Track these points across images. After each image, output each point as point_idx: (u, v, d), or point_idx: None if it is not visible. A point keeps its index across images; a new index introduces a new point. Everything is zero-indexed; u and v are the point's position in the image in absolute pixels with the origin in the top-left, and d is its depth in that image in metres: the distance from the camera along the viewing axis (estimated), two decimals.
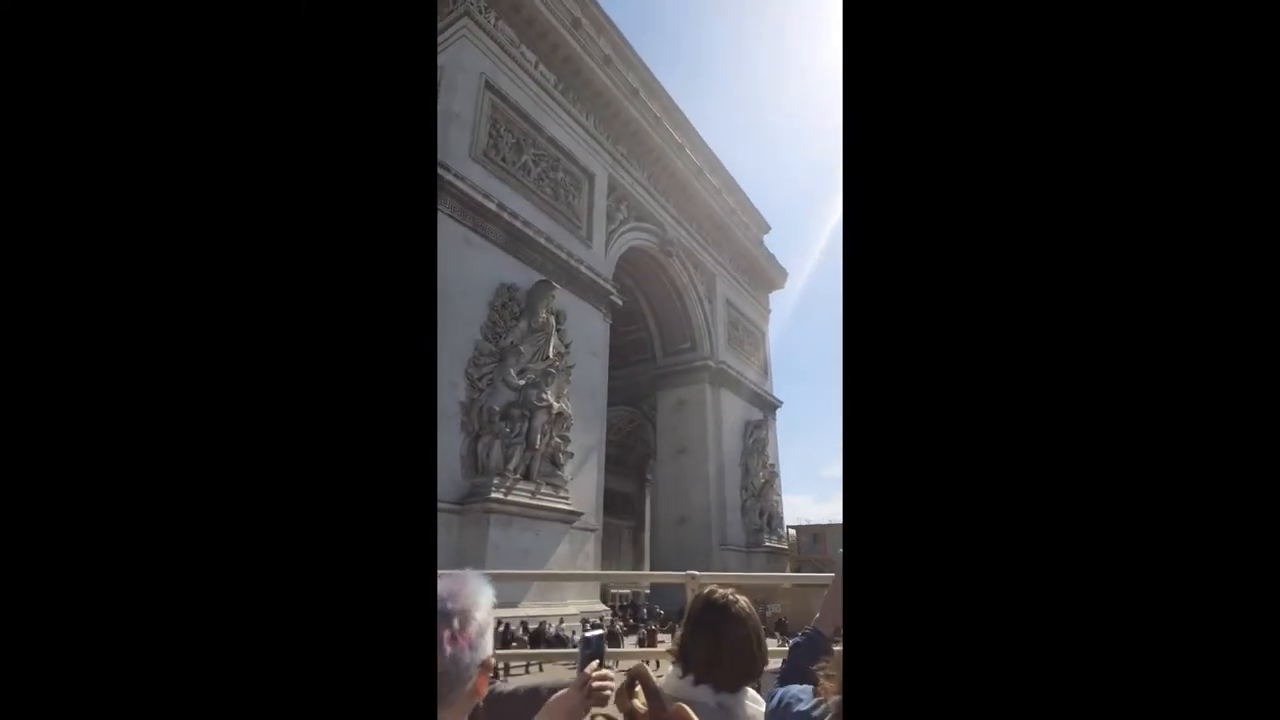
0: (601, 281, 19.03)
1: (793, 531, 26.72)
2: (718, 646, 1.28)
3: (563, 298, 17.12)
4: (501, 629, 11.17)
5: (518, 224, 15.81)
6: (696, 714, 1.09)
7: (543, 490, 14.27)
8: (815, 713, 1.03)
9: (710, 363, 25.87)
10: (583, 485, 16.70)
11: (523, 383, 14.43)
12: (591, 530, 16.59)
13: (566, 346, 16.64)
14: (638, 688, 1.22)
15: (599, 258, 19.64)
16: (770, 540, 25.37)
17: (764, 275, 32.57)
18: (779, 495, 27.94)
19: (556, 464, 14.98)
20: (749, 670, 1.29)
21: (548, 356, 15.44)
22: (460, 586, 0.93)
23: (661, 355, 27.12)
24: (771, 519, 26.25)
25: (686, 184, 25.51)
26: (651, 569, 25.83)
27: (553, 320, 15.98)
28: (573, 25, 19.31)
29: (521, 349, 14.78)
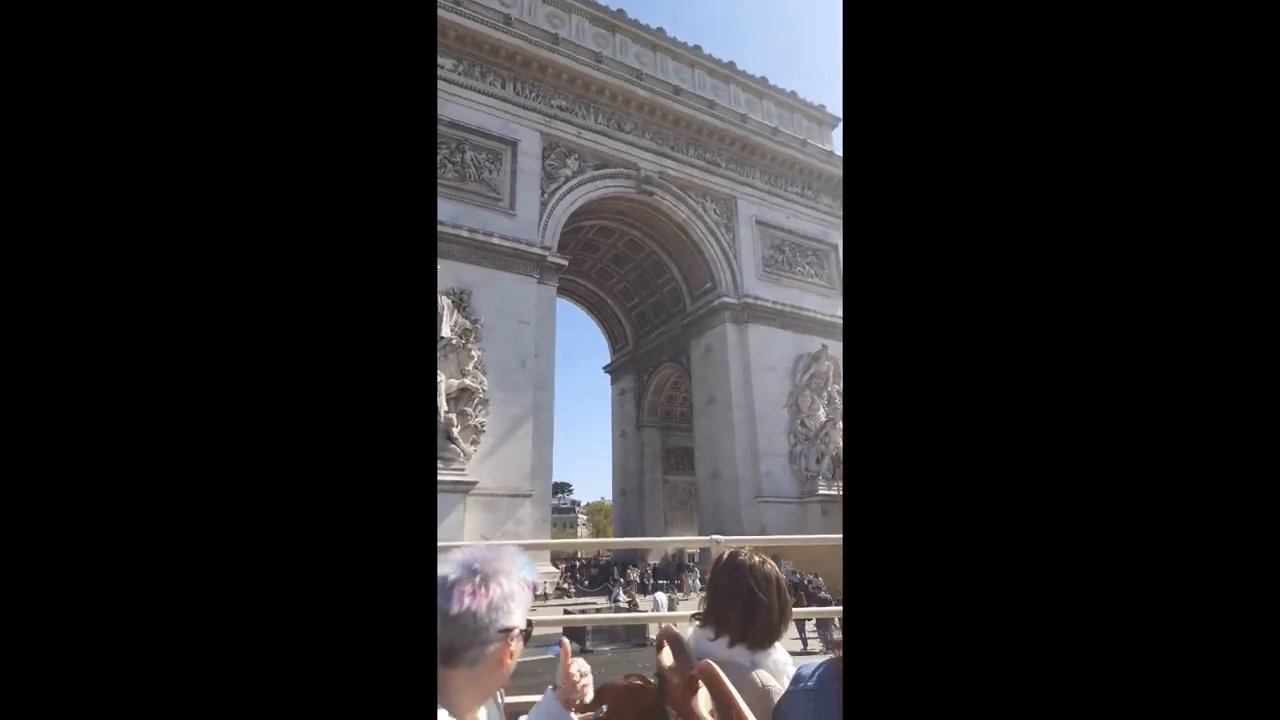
0: (525, 247, 18.72)
1: None
2: (750, 609, 1.32)
3: (472, 274, 17.43)
4: None
5: None
6: (731, 673, 1.14)
7: None
8: (805, 673, 1.13)
9: (729, 299, 23.08)
10: (513, 454, 16.91)
11: None
12: (525, 496, 16.73)
13: (474, 322, 16.97)
14: (665, 647, 1.27)
15: (528, 224, 19.29)
16: (830, 487, 21.67)
17: (826, 178, 27.37)
18: None
19: (450, 438, 15.56)
20: (778, 628, 1.35)
21: (442, 338, 16.04)
22: (493, 554, 1.01)
23: (690, 301, 25.14)
24: (836, 463, 22.35)
25: (664, 109, 23.05)
26: (700, 527, 24.35)
27: (445, 301, 16.48)
28: (454, 1, 19.19)
29: None
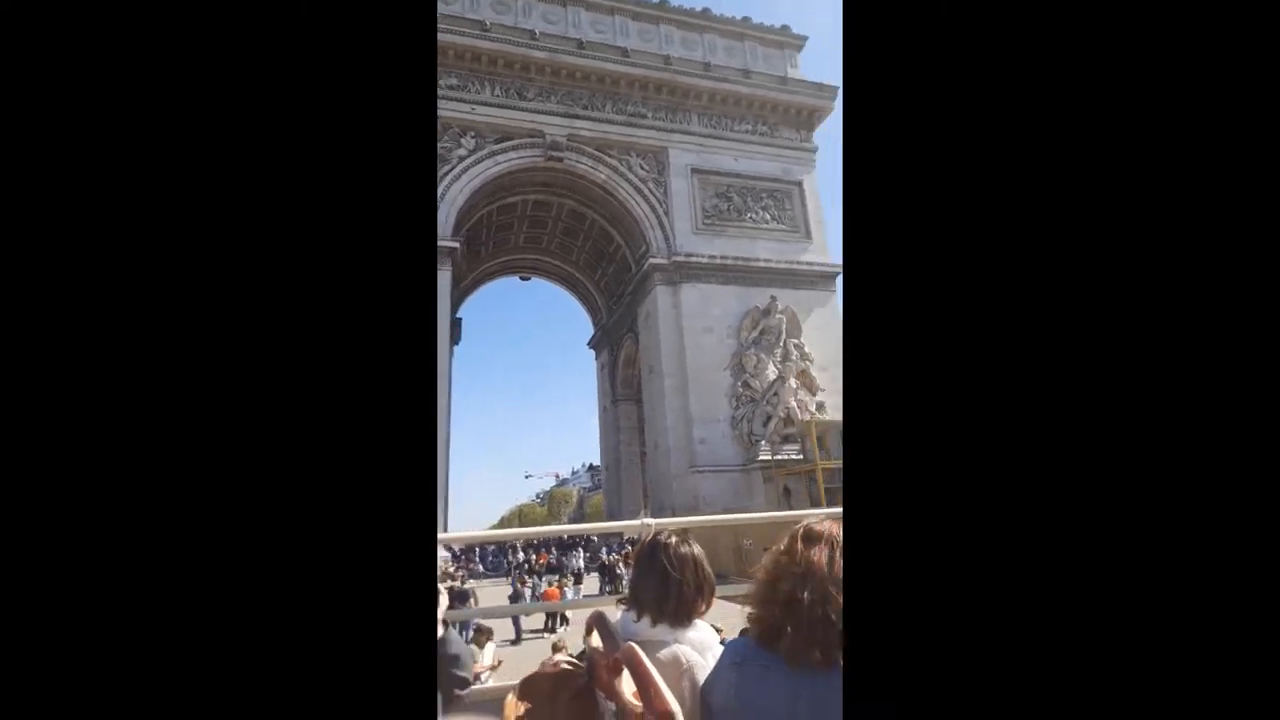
0: None
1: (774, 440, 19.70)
2: (664, 587, 1.37)
3: None
4: None
5: None
6: (652, 652, 1.23)
7: None
8: (728, 648, 1.23)
9: (658, 259, 21.46)
10: None
11: None
12: None
13: None
14: (594, 632, 1.36)
15: None
16: (777, 451, 19.63)
17: (784, 108, 24.40)
18: (817, 390, 21.03)
19: None
20: (694, 604, 1.40)
21: None
22: None
23: (634, 267, 23.78)
24: (786, 424, 20.20)
25: (569, 68, 21.69)
26: (648, 504, 23.18)
27: None
28: None
29: None
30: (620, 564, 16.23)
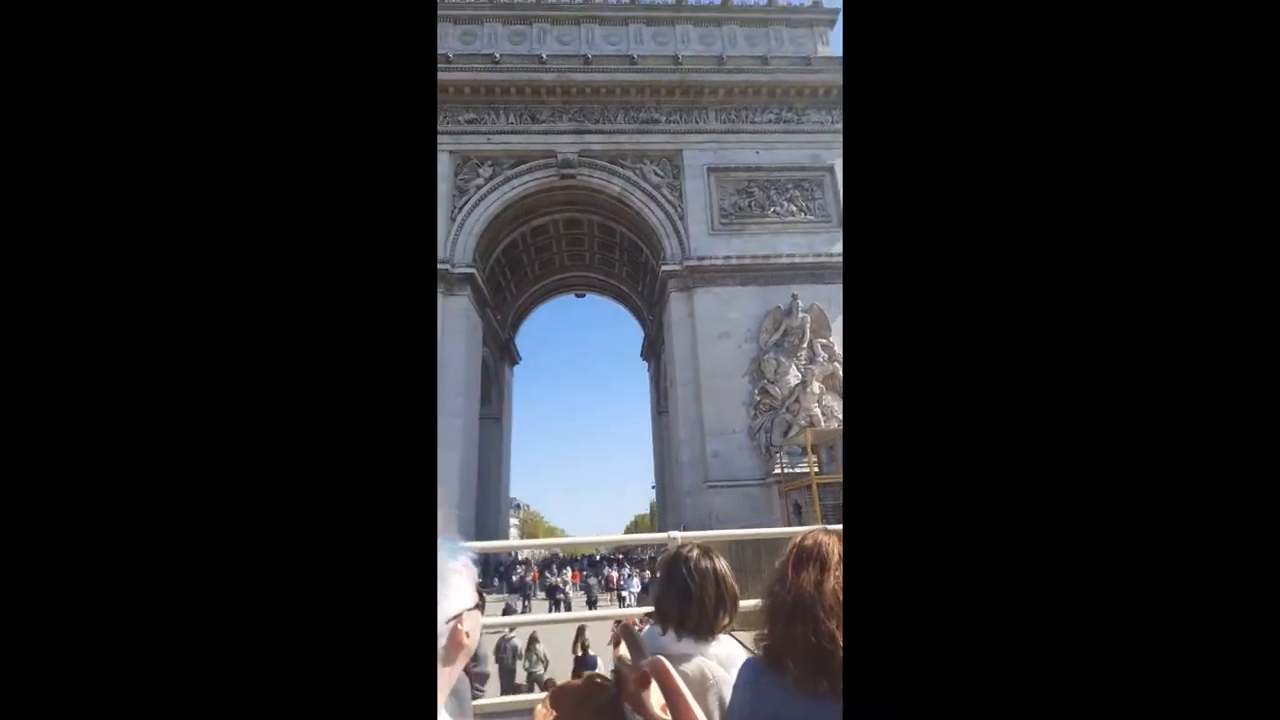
0: None
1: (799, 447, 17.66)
2: (684, 601, 1.43)
3: None
4: None
5: None
6: (678, 665, 1.24)
7: None
8: (744, 666, 1.23)
9: (672, 265, 20.88)
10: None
11: None
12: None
13: None
14: (621, 644, 1.40)
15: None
16: (795, 464, 18.07)
17: (811, 90, 22.69)
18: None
19: None
20: (716, 618, 1.44)
21: None
22: None
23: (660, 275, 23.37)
24: (807, 432, 18.50)
25: (577, 85, 22.00)
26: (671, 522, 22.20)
27: None
28: None
29: None
30: (568, 585, 15.87)
